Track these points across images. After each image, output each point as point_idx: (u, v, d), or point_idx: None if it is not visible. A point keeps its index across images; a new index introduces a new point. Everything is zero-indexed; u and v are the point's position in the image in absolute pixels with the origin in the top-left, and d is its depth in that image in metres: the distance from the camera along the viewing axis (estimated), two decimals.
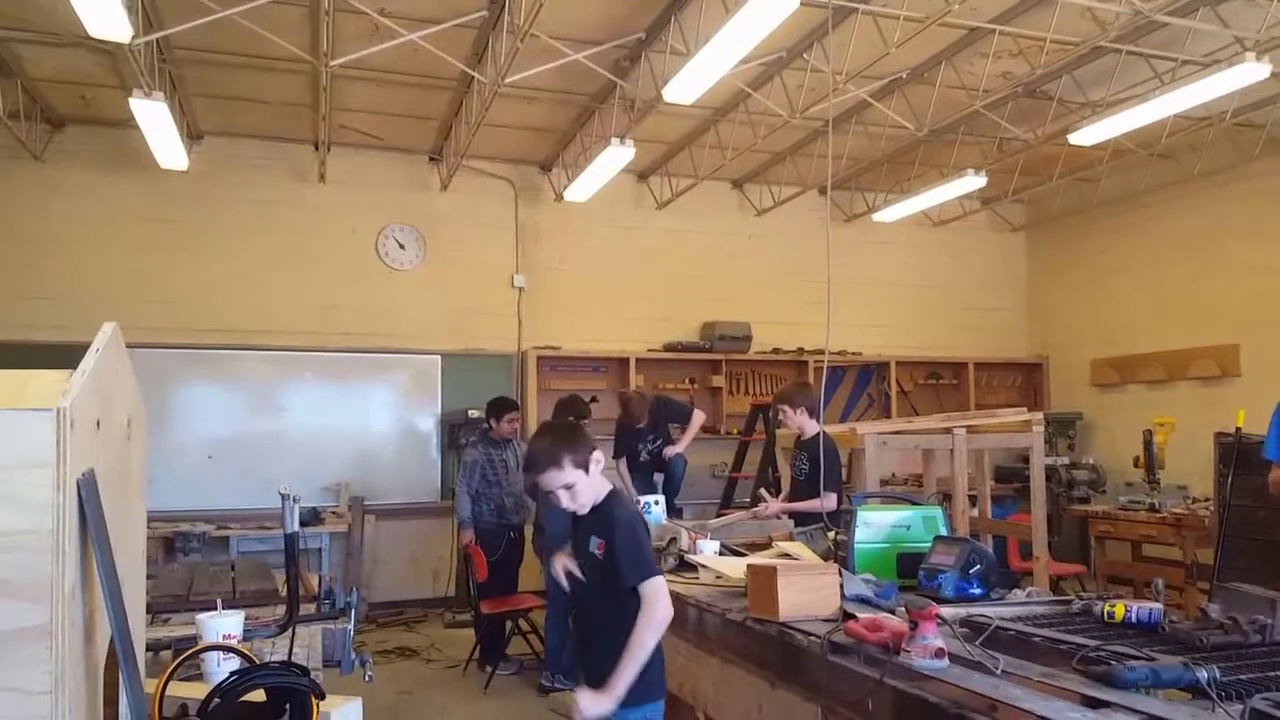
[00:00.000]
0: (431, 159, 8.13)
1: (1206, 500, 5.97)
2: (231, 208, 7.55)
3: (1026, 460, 5.75)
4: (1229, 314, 7.76)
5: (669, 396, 6.97)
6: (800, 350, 8.76)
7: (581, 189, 7.58)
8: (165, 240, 7.37)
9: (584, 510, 2.52)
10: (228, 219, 7.53)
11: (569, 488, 2.45)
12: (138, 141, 6.43)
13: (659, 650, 2.47)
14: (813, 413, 4.74)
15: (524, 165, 8.36)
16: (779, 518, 4.72)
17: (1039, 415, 5.27)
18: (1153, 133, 6.87)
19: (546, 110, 7.13)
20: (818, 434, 4.60)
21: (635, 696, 2.44)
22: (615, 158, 6.74)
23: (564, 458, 2.43)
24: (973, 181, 7.43)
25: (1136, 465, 6.57)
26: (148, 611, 2.07)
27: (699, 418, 6.44)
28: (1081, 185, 8.68)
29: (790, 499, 4.83)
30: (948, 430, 5.01)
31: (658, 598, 2.38)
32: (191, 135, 7.27)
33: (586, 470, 2.47)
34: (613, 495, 2.56)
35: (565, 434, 2.56)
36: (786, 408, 4.81)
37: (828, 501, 4.22)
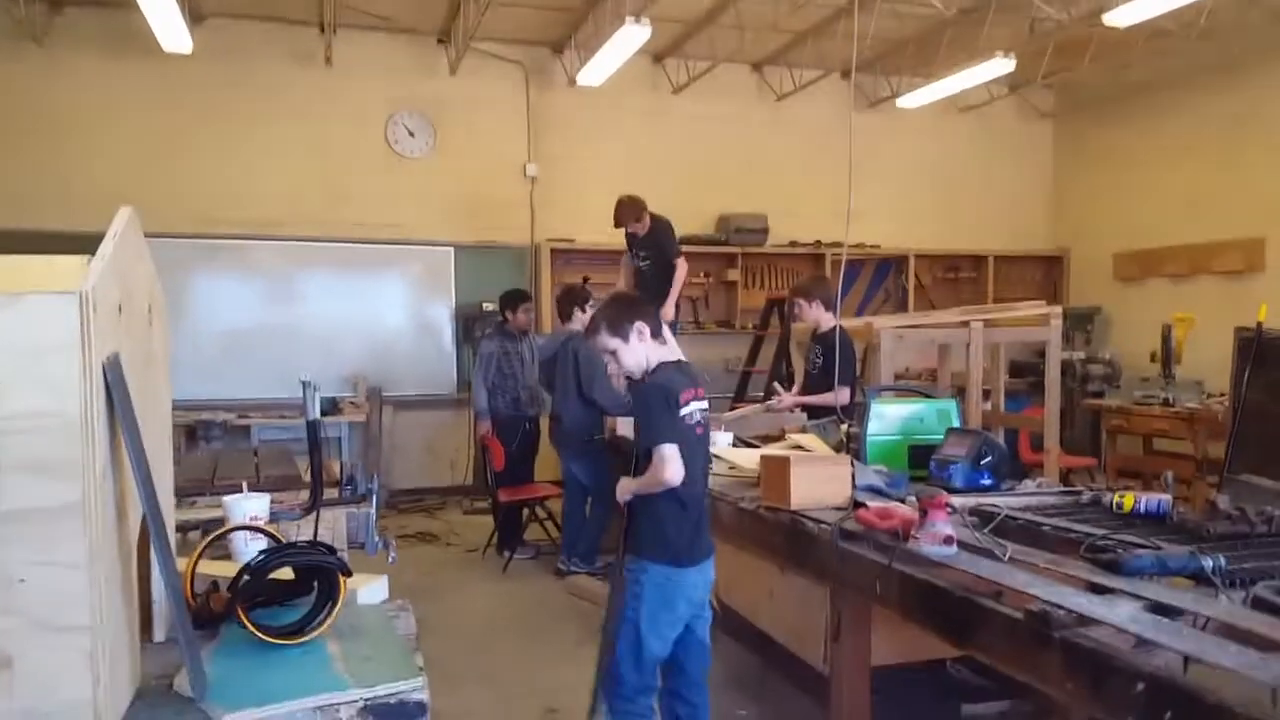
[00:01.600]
0: (440, 41, 7.85)
1: (1222, 395, 5.96)
2: (237, 93, 7.37)
3: (1043, 355, 5.73)
4: (1257, 206, 7.52)
5: (672, 227, 6.49)
6: (818, 243, 8.63)
7: (595, 72, 7.33)
8: (171, 127, 7.23)
9: (635, 376, 2.71)
10: (234, 105, 7.36)
11: (611, 353, 2.68)
12: (140, 24, 6.21)
13: (681, 522, 2.59)
14: (828, 306, 4.73)
15: (535, 47, 8.07)
16: (792, 411, 4.78)
17: (1057, 309, 5.22)
18: (1191, 13, 6.51)
19: None
20: (833, 328, 4.59)
21: (648, 553, 2.60)
22: (630, 37, 6.47)
23: (601, 325, 2.69)
24: (1002, 65, 7.10)
25: (1153, 360, 6.53)
26: (174, 495, 2.12)
27: (684, 268, 6.23)
28: (1114, 71, 8.31)
29: (804, 393, 4.87)
30: (965, 324, 4.98)
31: (661, 463, 2.52)
32: (194, 17, 7.02)
33: (625, 339, 2.64)
34: (656, 369, 2.67)
35: (610, 304, 2.80)
36: (802, 301, 4.80)
37: (841, 395, 4.24)
